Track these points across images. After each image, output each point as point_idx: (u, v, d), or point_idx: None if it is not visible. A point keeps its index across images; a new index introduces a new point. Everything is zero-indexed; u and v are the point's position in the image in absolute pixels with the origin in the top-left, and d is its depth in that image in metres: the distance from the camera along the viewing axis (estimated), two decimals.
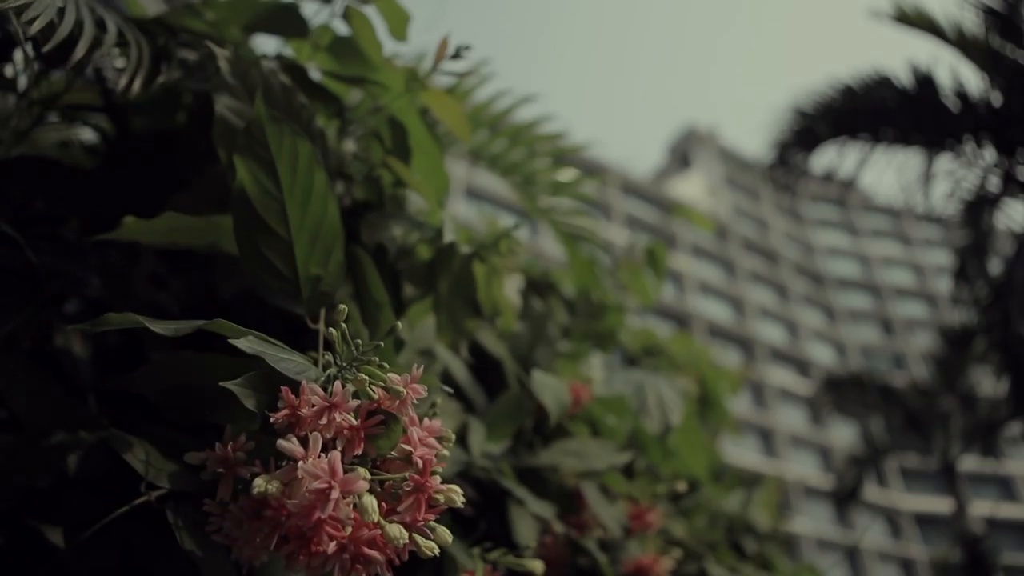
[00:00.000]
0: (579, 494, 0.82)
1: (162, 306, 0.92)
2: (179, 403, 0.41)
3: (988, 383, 8.36)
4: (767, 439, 27.00)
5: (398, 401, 0.37)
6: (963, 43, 4.71)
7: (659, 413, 1.01)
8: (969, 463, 11.80)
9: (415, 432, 0.38)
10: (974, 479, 26.43)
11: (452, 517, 0.82)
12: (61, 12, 0.54)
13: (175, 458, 0.48)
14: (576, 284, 1.24)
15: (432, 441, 0.39)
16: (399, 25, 0.70)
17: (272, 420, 0.35)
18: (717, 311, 30.07)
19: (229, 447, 0.36)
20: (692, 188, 34.04)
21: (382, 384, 0.37)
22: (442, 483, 0.36)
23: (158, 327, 0.35)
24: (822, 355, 31.52)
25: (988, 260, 5.29)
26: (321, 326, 0.46)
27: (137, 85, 0.54)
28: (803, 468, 26.93)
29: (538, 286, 1.38)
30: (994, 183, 4.79)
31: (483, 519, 0.79)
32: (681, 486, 0.83)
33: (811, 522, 25.11)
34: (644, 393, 1.06)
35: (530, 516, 0.74)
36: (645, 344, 1.55)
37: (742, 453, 25.21)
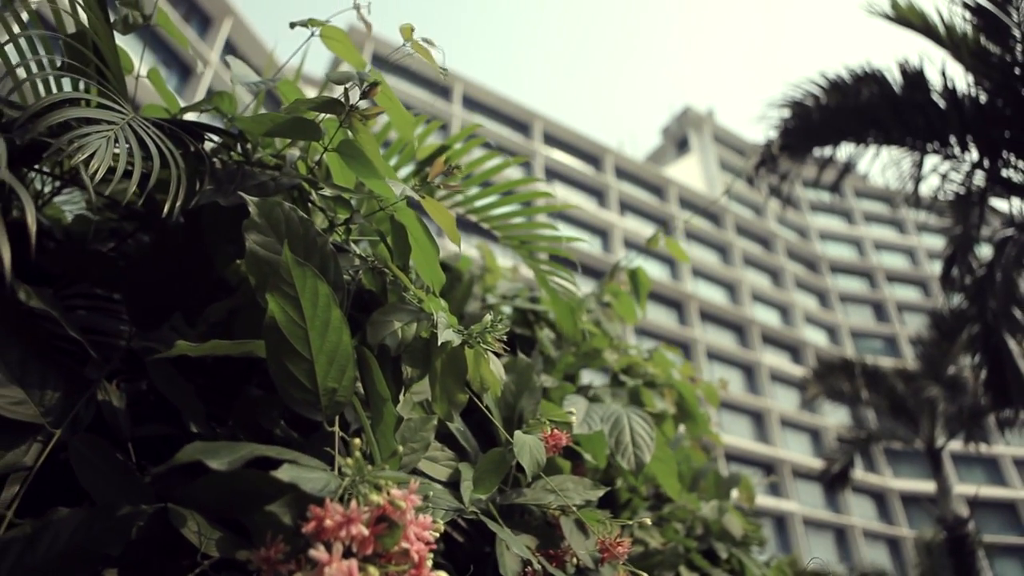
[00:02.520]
0: (558, 529, 0.93)
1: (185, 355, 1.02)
2: (230, 506, 0.51)
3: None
4: (760, 421, 27.30)
5: (400, 511, 0.47)
6: (952, 42, 4.78)
7: (632, 450, 1.12)
8: (957, 444, 12.04)
9: (412, 531, 0.48)
10: (962, 460, 26.85)
11: (446, 552, 0.93)
12: (110, 143, 0.64)
13: (219, 525, 0.59)
14: (560, 326, 1.34)
15: (425, 535, 0.49)
16: (405, 127, 0.79)
17: (303, 531, 0.45)
18: (712, 294, 30.22)
19: (271, 550, 0.46)
20: (687, 171, 34.01)
21: (388, 499, 0.47)
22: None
23: (215, 464, 0.45)
24: (815, 338, 31.77)
25: (973, 255, 5.40)
26: (336, 429, 0.56)
27: (177, 208, 0.63)
28: (795, 450, 27.26)
29: (526, 316, 1.49)
30: (979, 181, 4.88)
31: (474, 557, 0.90)
32: (648, 521, 0.94)
33: (801, 503, 25.48)
34: (619, 428, 1.16)
35: (515, 551, 0.85)
36: (626, 364, 1.66)
37: (735, 436, 25.50)
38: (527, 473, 0.78)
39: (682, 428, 1.97)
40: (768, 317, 31.19)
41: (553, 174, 28.95)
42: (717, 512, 1.68)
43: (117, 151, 0.64)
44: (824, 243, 35.85)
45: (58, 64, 0.94)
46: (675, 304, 28.70)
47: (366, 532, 0.46)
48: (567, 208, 1.19)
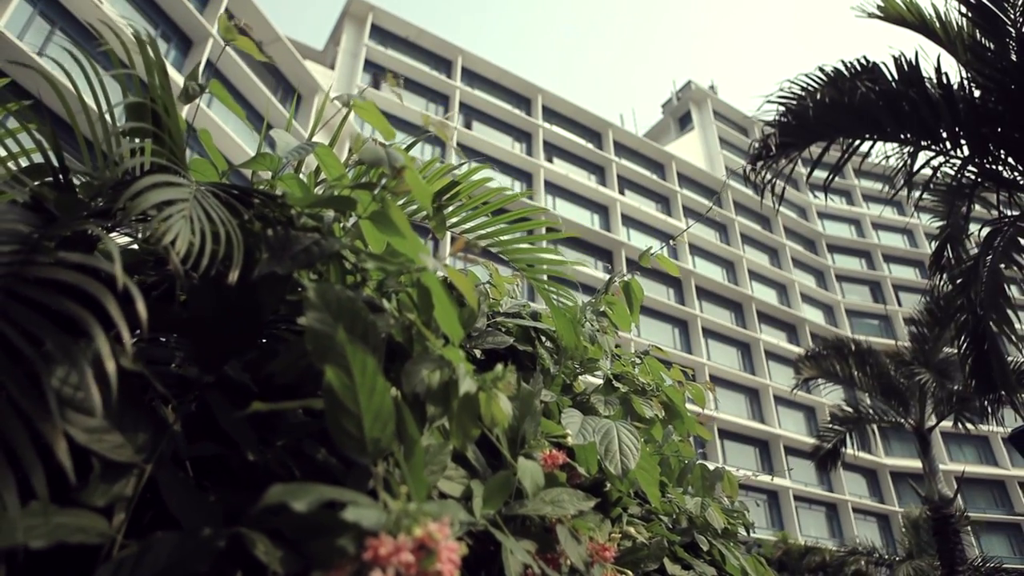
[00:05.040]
0: (554, 534, 1.08)
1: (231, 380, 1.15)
2: (302, 536, 0.66)
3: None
4: (755, 398, 27.59)
5: (436, 541, 0.61)
6: (948, 37, 4.86)
7: (619, 458, 1.27)
8: (948, 423, 12.29)
9: (444, 554, 0.63)
10: (952, 438, 27.21)
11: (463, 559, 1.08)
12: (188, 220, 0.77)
13: (280, 543, 0.73)
14: (562, 339, 1.48)
15: (454, 557, 0.64)
16: (425, 198, 0.92)
17: (363, 558, 0.59)
18: (710, 271, 30.32)
19: (339, 572, 0.60)
20: (688, 147, 33.89)
21: (426, 531, 0.61)
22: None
23: (297, 505, 0.59)
24: (812, 317, 31.95)
25: (963, 244, 5.53)
26: (380, 470, 0.70)
27: (235, 276, 0.77)
28: (789, 428, 27.59)
29: (528, 332, 1.62)
30: (970, 175, 4.99)
31: (480, 555, 1.05)
32: (633, 530, 1.08)
33: (794, 479, 25.86)
34: (608, 439, 1.31)
35: (518, 557, 0.99)
36: (618, 371, 1.81)
37: (730, 414, 25.79)
38: (527, 494, 0.93)
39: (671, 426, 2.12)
40: (766, 295, 31.37)
41: (554, 148, 28.91)
42: (700, 507, 1.84)
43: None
44: (823, 221, 35.91)
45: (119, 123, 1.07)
46: (673, 281, 28.86)
47: (412, 560, 0.60)
48: (572, 235, 1.32)
